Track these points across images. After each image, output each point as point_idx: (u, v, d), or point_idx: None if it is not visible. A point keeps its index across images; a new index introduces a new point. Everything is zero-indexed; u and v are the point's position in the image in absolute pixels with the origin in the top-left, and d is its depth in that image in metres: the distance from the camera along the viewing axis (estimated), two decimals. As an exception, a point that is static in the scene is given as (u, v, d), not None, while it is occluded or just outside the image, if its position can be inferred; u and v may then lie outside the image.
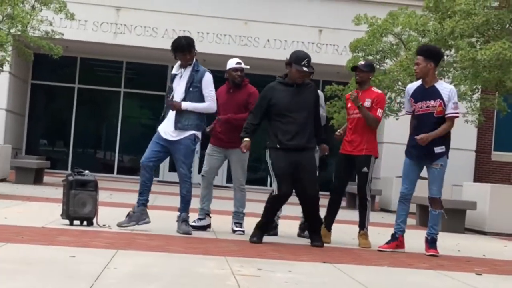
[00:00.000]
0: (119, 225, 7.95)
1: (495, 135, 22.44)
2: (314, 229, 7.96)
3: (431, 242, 7.92)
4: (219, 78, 8.65)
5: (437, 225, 7.99)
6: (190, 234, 7.97)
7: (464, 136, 18.56)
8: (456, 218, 11.72)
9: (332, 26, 20.92)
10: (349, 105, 8.53)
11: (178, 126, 8.02)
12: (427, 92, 7.89)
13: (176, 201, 8.44)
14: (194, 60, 8.14)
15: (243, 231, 8.53)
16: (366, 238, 8.31)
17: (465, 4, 13.35)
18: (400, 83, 15.48)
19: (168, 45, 8.48)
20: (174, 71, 8.24)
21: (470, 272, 6.78)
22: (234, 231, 8.59)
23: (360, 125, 8.35)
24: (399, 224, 8.05)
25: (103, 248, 6.41)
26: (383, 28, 15.67)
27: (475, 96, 15.68)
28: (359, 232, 8.37)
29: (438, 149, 7.83)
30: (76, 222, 8.01)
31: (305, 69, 7.78)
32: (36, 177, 15.84)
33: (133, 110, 24.33)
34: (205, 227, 8.65)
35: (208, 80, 8.11)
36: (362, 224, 8.35)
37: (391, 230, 8.18)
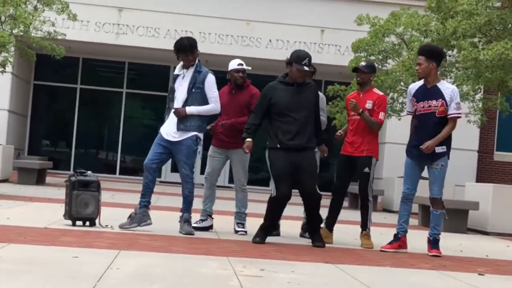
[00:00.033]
0: (121, 226, 7.95)
1: (498, 135, 22.43)
2: (315, 229, 7.95)
3: (433, 243, 7.90)
4: (221, 79, 8.64)
5: (439, 225, 7.97)
6: (193, 234, 7.97)
7: (466, 136, 18.56)
8: (458, 218, 11.71)
9: (334, 26, 20.91)
10: (349, 106, 8.51)
11: (180, 128, 8.03)
12: (429, 92, 7.87)
13: (179, 202, 8.44)
14: (197, 61, 8.15)
15: (245, 232, 8.53)
16: (368, 239, 8.30)
17: (468, 4, 13.33)
18: (402, 83, 15.48)
19: (170, 46, 8.49)
20: (176, 72, 8.24)
21: (473, 273, 6.77)
22: (236, 232, 8.59)
23: (361, 127, 8.32)
24: (401, 224, 8.04)
25: (105, 248, 6.41)
26: (385, 28, 15.67)
27: (478, 96, 15.68)
28: (361, 232, 8.36)
29: (439, 149, 7.81)
30: (79, 222, 8.02)
31: (305, 68, 7.76)
32: (39, 178, 15.84)
33: (135, 111, 24.31)
34: (207, 229, 8.65)
35: (211, 82, 8.10)
36: (364, 225, 8.33)
37: (394, 231, 8.17)
